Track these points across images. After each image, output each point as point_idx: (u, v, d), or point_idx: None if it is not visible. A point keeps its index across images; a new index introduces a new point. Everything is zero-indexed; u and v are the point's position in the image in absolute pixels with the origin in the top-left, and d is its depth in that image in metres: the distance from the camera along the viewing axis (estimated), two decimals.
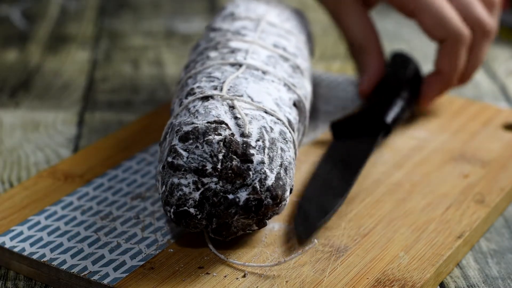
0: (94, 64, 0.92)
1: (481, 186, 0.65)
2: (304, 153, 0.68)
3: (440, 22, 0.69)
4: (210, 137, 0.53)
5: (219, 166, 0.53)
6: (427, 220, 0.60)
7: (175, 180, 0.53)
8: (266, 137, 0.55)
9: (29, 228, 0.58)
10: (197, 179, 0.53)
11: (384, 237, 0.58)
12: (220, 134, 0.54)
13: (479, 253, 0.60)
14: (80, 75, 0.90)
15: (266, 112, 0.57)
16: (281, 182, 0.54)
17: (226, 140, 0.53)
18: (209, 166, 0.53)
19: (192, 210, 0.53)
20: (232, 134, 0.54)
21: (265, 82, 0.60)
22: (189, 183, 0.53)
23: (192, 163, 0.53)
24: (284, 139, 0.56)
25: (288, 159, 0.56)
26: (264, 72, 0.61)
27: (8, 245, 0.57)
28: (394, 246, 0.57)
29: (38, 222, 0.59)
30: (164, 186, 0.54)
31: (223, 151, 0.53)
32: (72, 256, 0.56)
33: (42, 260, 0.55)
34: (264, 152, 0.54)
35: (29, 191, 0.63)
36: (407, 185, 0.64)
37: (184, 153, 0.53)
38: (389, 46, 0.99)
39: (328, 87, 0.81)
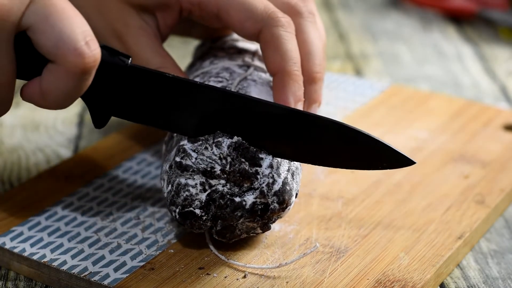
0: None
1: (481, 187, 0.65)
2: None
3: (247, 11, 0.59)
4: (220, 139, 0.53)
5: (227, 169, 0.53)
6: (427, 220, 0.60)
7: (182, 181, 0.53)
8: None
9: (30, 228, 0.58)
10: (204, 181, 0.53)
11: (384, 237, 0.58)
12: (231, 137, 0.53)
13: (479, 254, 0.60)
14: None
15: None
16: (288, 187, 0.54)
17: (237, 144, 0.53)
18: (217, 168, 0.53)
19: (197, 211, 0.53)
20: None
21: (272, 85, 0.60)
22: (196, 184, 0.53)
23: (201, 164, 0.53)
24: None
25: (295, 164, 0.55)
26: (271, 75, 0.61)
27: (8, 245, 0.57)
28: (395, 247, 0.57)
29: (39, 223, 0.59)
30: (170, 186, 0.54)
31: (233, 153, 0.53)
32: (73, 257, 0.56)
33: (42, 261, 0.55)
34: (272, 156, 0.54)
35: (30, 192, 0.63)
36: (407, 186, 0.64)
37: (193, 153, 0.53)
38: (389, 46, 0.99)
39: (328, 87, 0.81)
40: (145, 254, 0.56)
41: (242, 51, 0.64)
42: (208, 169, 0.53)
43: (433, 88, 0.88)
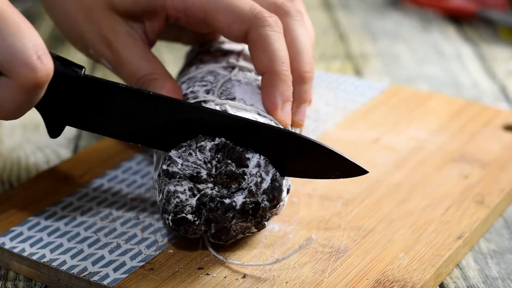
0: (94, 64, 0.92)
1: (481, 187, 0.65)
2: None
3: (234, 13, 0.58)
4: (203, 143, 0.53)
5: (213, 172, 0.53)
6: (427, 221, 0.60)
7: (171, 188, 0.53)
8: None
9: (29, 228, 0.58)
10: (192, 186, 0.53)
11: (384, 238, 0.58)
12: (213, 140, 0.53)
13: (479, 254, 0.60)
14: None
15: (259, 114, 0.57)
16: (277, 184, 0.54)
17: (220, 145, 0.53)
18: (203, 173, 0.53)
19: (189, 216, 0.53)
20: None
21: (257, 84, 0.60)
22: (185, 190, 0.53)
23: (187, 170, 0.53)
24: None
25: None
26: (257, 73, 0.61)
27: (8, 245, 0.57)
28: (394, 247, 0.57)
29: (38, 223, 0.59)
30: (161, 194, 0.54)
31: (218, 156, 0.53)
32: (72, 257, 0.56)
33: (42, 261, 0.55)
34: (259, 154, 0.54)
35: (29, 192, 0.63)
36: (407, 186, 0.64)
37: (178, 160, 0.53)
38: (389, 46, 0.99)
39: (328, 88, 0.81)
40: (145, 254, 0.56)
41: (228, 53, 0.64)
42: (194, 174, 0.53)
43: (433, 88, 0.88)
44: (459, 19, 1.06)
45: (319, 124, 0.74)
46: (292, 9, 0.60)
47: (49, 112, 0.54)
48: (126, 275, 0.54)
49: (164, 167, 0.53)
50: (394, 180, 0.65)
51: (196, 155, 0.53)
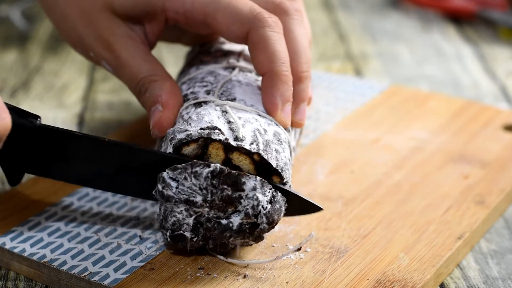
0: (94, 67, 0.92)
1: (481, 187, 0.65)
2: (304, 153, 0.69)
3: (233, 14, 0.58)
4: (198, 169, 0.53)
5: (209, 198, 0.53)
6: (427, 221, 0.60)
7: (168, 207, 0.53)
8: (260, 139, 0.55)
9: (30, 228, 0.58)
10: (189, 207, 0.53)
11: (384, 238, 0.58)
12: (209, 166, 0.53)
13: (479, 254, 0.60)
14: (80, 75, 0.90)
15: (259, 114, 0.57)
16: (277, 205, 0.53)
17: (215, 172, 0.53)
18: (199, 199, 0.53)
19: (187, 234, 0.53)
20: (222, 162, 0.54)
21: (258, 84, 0.60)
22: (181, 210, 0.53)
23: (182, 194, 0.53)
24: (279, 140, 0.56)
25: (284, 160, 0.55)
26: (257, 74, 0.61)
27: (8, 245, 0.57)
28: (394, 247, 0.57)
29: (39, 223, 0.59)
30: (159, 209, 0.54)
31: (213, 182, 0.53)
32: (73, 257, 0.56)
33: (42, 261, 0.55)
34: (256, 176, 0.53)
35: (30, 192, 0.63)
36: (407, 186, 0.64)
37: (172, 183, 0.53)
38: (389, 46, 0.99)
39: (328, 88, 0.81)
40: (145, 254, 0.56)
41: (228, 53, 0.64)
42: (190, 199, 0.53)
43: (433, 88, 0.88)
44: (459, 19, 1.06)
45: (319, 124, 0.74)
46: (291, 8, 0.60)
47: (6, 161, 0.55)
48: (127, 275, 0.54)
49: (160, 187, 0.53)
50: (394, 180, 0.65)
51: (191, 180, 0.53)
